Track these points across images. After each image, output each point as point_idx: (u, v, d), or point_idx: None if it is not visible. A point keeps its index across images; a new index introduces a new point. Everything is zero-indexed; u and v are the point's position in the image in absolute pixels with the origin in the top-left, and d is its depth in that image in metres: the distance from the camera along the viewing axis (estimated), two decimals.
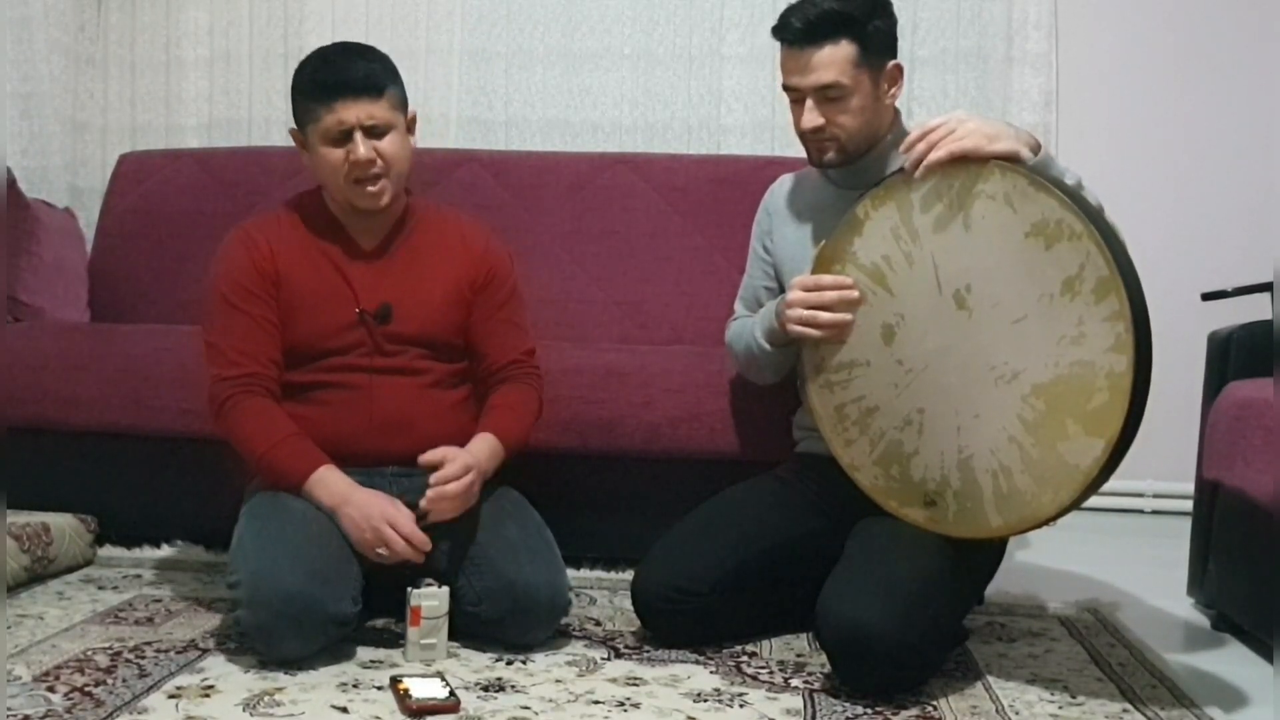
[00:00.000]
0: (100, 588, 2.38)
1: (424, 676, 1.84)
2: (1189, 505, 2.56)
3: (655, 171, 3.19)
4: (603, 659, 2.03)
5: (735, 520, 2.15)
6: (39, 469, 2.60)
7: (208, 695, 1.78)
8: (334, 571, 1.94)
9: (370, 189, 2.10)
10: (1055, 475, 1.78)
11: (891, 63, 2.11)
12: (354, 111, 2.05)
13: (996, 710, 1.83)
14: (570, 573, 2.16)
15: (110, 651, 1.96)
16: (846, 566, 1.95)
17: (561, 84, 3.61)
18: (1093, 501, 1.87)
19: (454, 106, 3.62)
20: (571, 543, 2.25)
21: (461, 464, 2.02)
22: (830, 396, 2.02)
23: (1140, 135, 3.53)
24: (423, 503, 2.00)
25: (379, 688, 1.83)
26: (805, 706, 1.82)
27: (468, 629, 2.05)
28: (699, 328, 2.99)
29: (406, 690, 1.76)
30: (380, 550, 1.98)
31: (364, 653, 2.00)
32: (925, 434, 1.91)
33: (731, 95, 3.55)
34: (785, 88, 2.12)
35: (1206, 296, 2.61)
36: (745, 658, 2.06)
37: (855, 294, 1.96)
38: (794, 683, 1.93)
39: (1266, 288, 2.52)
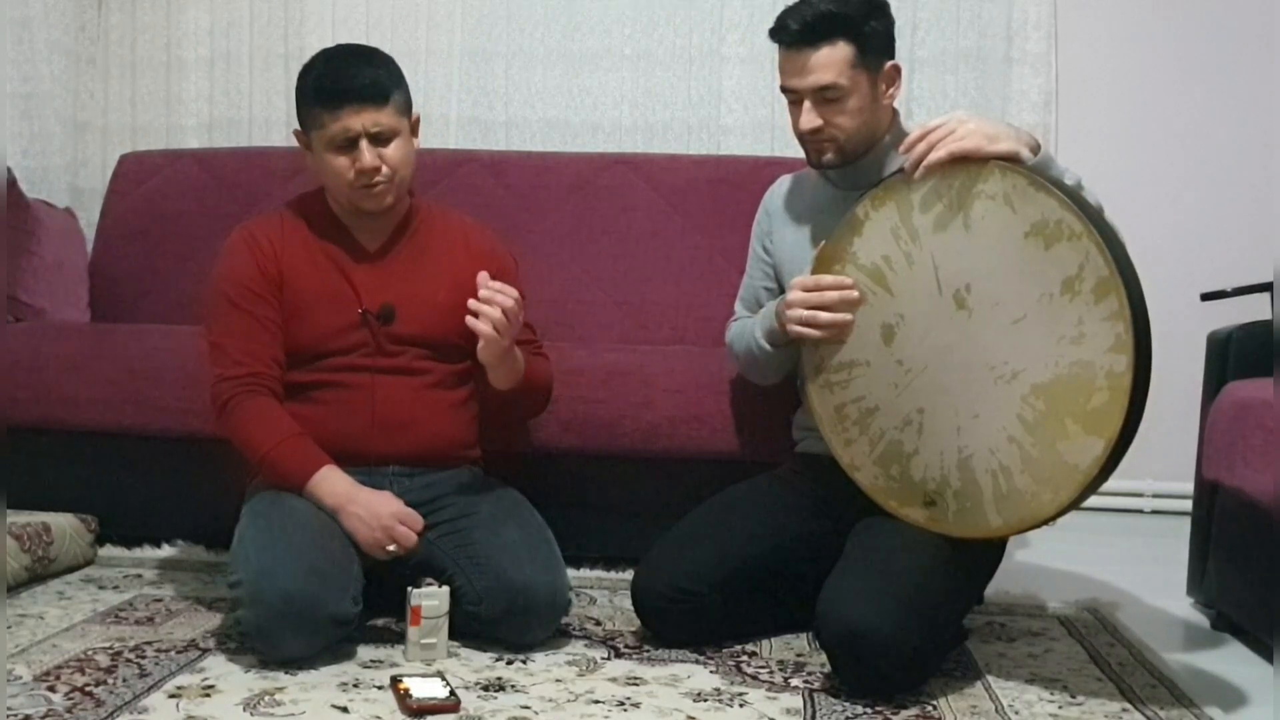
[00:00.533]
0: (101, 588, 2.38)
1: (424, 676, 1.84)
2: (1189, 505, 2.56)
3: (655, 171, 3.19)
4: (603, 659, 2.03)
5: (735, 520, 2.15)
6: (39, 469, 2.61)
7: (208, 695, 1.78)
8: (335, 571, 1.94)
9: (375, 193, 2.10)
10: (1055, 475, 1.78)
11: (889, 63, 2.11)
12: (359, 120, 2.05)
13: (996, 710, 1.83)
14: (570, 573, 2.16)
15: (111, 651, 1.96)
16: (846, 566, 1.95)
17: (561, 84, 3.61)
18: (1093, 501, 1.87)
19: (454, 106, 3.62)
20: (571, 543, 2.26)
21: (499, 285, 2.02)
22: (830, 396, 2.02)
23: (1140, 135, 3.54)
24: (482, 293, 2.00)
25: (379, 687, 1.83)
26: (805, 706, 1.82)
27: (468, 628, 2.05)
28: (699, 328, 3.00)
29: (407, 690, 1.76)
30: (390, 548, 1.99)
31: (364, 652, 2.00)
32: (925, 434, 1.91)
33: (731, 95, 3.55)
34: (783, 89, 2.13)
35: (1206, 296, 2.62)
36: (745, 658, 2.06)
37: (855, 294, 1.96)
38: (794, 683, 1.93)
39: (1266, 288, 2.52)
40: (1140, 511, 3.58)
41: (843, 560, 1.97)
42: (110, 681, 1.81)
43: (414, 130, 2.16)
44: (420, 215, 2.24)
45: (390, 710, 1.74)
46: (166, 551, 2.66)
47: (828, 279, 1.98)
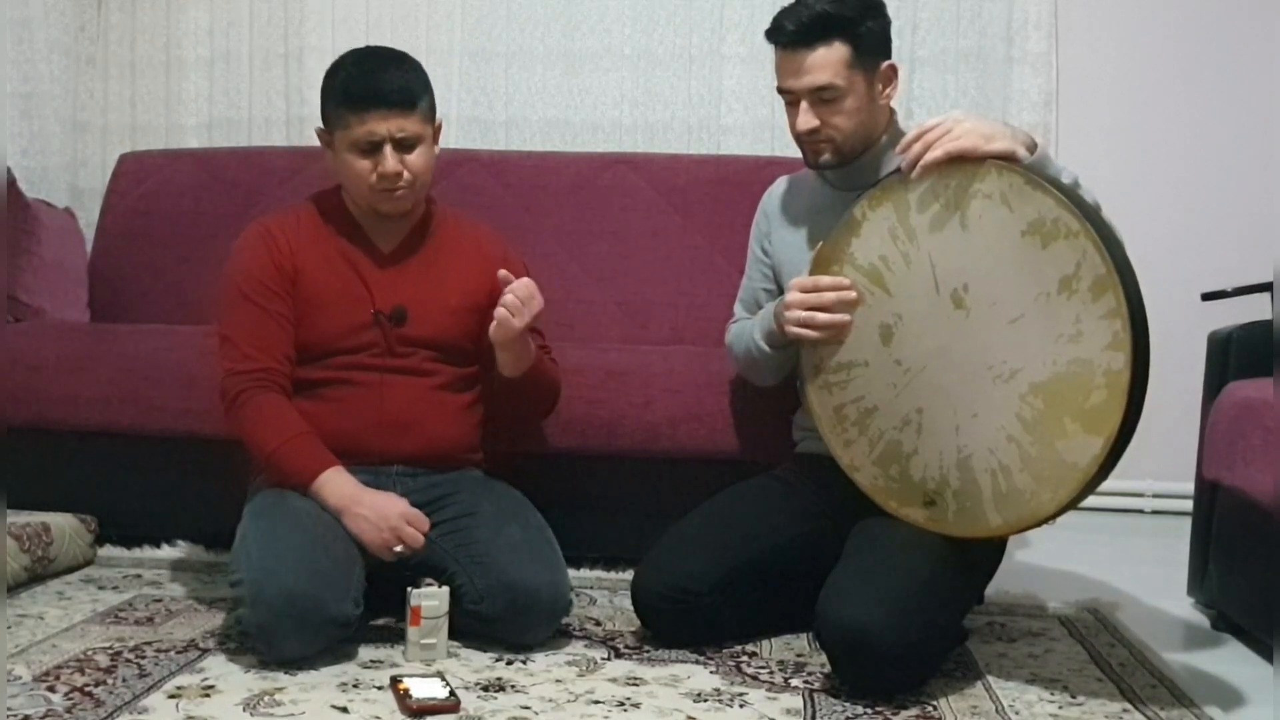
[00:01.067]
0: (100, 588, 2.38)
1: (424, 676, 1.84)
2: (1189, 505, 2.56)
3: (655, 171, 3.19)
4: (603, 659, 2.03)
5: (735, 520, 2.15)
6: (39, 469, 2.60)
7: (208, 695, 1.78)
8: (337, 572, 1.94)
9: (394, 196, 2.11)
10: (1054, 474, 1.78)
11: (885, 63, 2.11)
12: (386, 125, 2.05)
13: (996, 710, 1.83)
14: (570, 573, 2.16)
15: (110, 651, 1.96)
16: (846, 567, 1.95)
17: (561, 84, 3.61)
18: (1093, 501, 1.87)
19: (454, 106, 3.61)
20: (571, 543, 2.25)
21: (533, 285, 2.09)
22: (829, 397, 2.02)
23: (1140, 135, 3.54)
24: (504, 292, 2.06)
25: (379, 688, 1.83)
26: (805, 706, 1.82)
27: (468, 628, 2.05)
28: (699, 328, 2.99)
29: (406, 690, 1.76)
30: (398, 548, 2.00)
31: (364, 653, 2.00)
32: (924, 434, 1.91)
33: (731, 95, 3.55)
34: (780, 90, 2.13)
35: (1206, 296, 2.61)
36: (745, 658, 2.06)
37: (853, 294, 1.96)
38: (794, 683, 1.93)
39: (1266, 288, 2.52)
40: (1140, 511, 3.57)
41: (843, 560, 1.97)
42: (110, 681, 1.81)
43: (436, 137, 2.16)
44: (436, 219, 2.25)
45: (390, 710, 1.74)
46: (166, 551, 2.66)
47: (825, 280, 1.98)
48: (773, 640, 2.16)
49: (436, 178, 3.07)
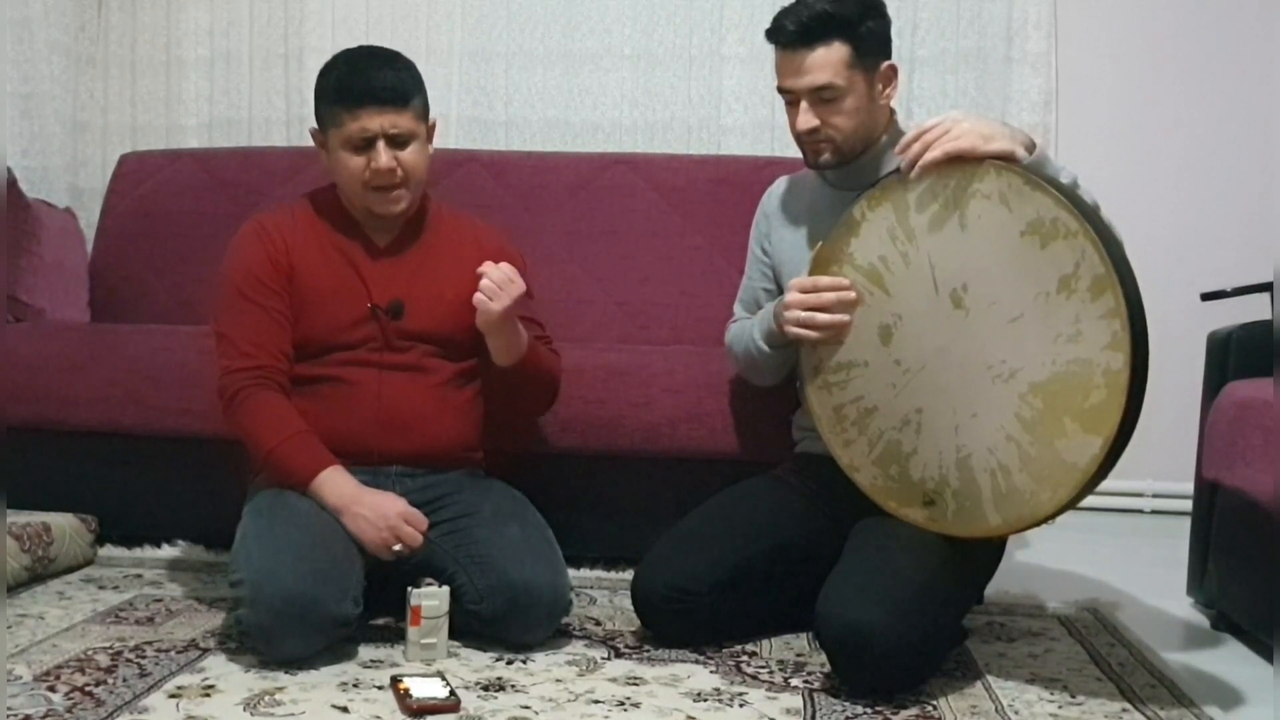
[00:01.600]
0: (101, 587, 2.38)
1: (424, 676, 1.84)
2: (1189, 505, 2.56)
3: (655, 171, 3.19)
4: (603, 659, 2.03)
5: (735, 520, 2.15)
6: (39, 469, 2.61)
7: (208, 695, 1.78)
8: (336, 572, 1.94)
9: (388, 196, 2.11)
10: (1054, 473, 1.78)
11: (885, 64, 2.11)
12: (378, 121, 2.06)
13: (996, 710, 1.83)
14: (570, 573, 2.16)
15: (111, 651, 1.96)
16: (846, 566, 1.95)
17: (561, 84, 3.61)
18: (1093, 501, 1.88)
19: (454, 106, 3.62)
20: (571, 543, 2.26)
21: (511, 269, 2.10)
22: (828, 397, 2.02)
23: (1140, 135, 3.54)
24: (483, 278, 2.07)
25: (379, 687, 1.83)
26: (805, 706, 1.82)
27: (468, 628, 2.05)
28: (699, 328, 3.00)
29: (407, 690, 1.76)
30: (397, 547, 2.00)
31: (364, 652, 2.00)
32: (924, 434, 1.91)
33: (731, 95, 3.55)
34: (780, 90, 2.13)
35: (1206, 296, 2.61)
36: (745, 658, 2.06)
37: (853, 295, 1.96)
38: (794, 683, 1.93)
39: (1266, 288, 2.52)
40: (1140, 511, 3.57)
41: (842, 560, 1.97)
42: (110, 681, 1.81)
43: (430, 136, 2.17)
44: (432, 213, 2.25)
45: (390, 710, 1.74)
46: (166, 551, 2.66)
47: (825, 280, 1.98)
48: (773, 640, 2.16)
49: (436, 177, 3.08)
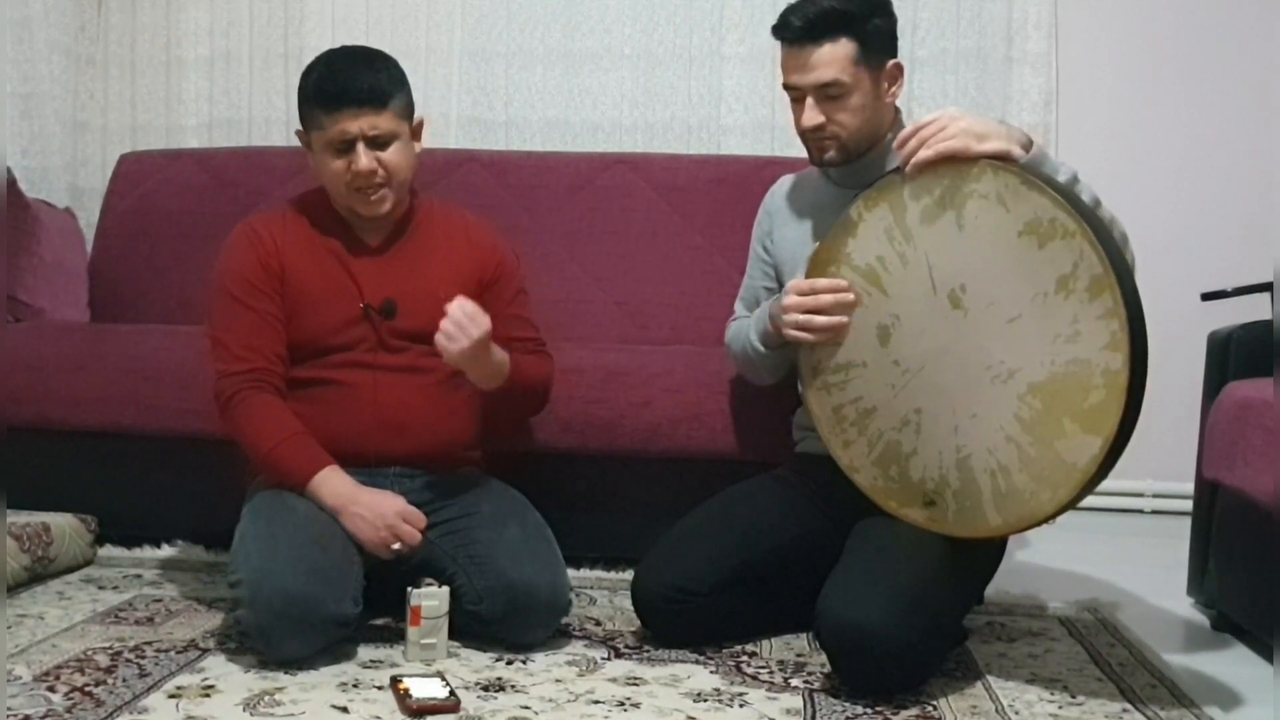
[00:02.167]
0: (100, 588, 2.38)
1: (424, 676, 1.84)
2: (1189, 505, 2.56)
3: (655, 171, 3.19)
4: (603, 659, 2.03)
5: (735, 520, 2.15)
6: (39, 469, 2.61)
7: (208, 695, 1.78)
8: (336, 572, 1.94)
9: (372, 197, 2.11)
10: (1053, 474, 1.78)
11: (891, 61, 2.11)
12: (357, 123, 2.06)
13: (996, 710, 1.83)
14: (570, 573, 2.16)
15: (110, 651, 1.96)
16: (846, 567, 1.95)
17: (561, 84, 3.61)
18: (1093, 501, 1.88)
19: (454, 106, 3.62)
20: (571, 543, 2.26)
21: (475, 308, 2.02)
22: (828, 398, 2.02)
23: (1140, 135, 3.53)
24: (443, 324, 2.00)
25: (379, 687, 1.83)
26: (805, 706, 1.82)
27: (468, 628, 2.05)
28: (699, 328, 2.99)
29: (406, 690, 1.76)
30: (395, 546, 2.00)
31: (364, 652, 2.00)
32: (923, 434, 1.91)
33: (731, 95, 3.55)
34: (785, 86, 2.12)
35: (1206, 296, 2.61)
36: (745, 658, 2.06)
37: (851, 296, 1.96)
38: (794, 683, 1.93)
39: (1266, 288, 2.52)
40: (1140, 511, 3.57)
41: (843, 560, 1.97)
42: (110, 681, 1.81)
43: (416, 134, 2.16)
44: (422, 211, 2.25)
45: (390, 710, 1.74)
46: (166, 551, 2.66)
47: (823, 282, 1.98)
48: (773, 640, 2.16)
49: (436, 178, 3.09)
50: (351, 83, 2.06)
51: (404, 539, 2.01)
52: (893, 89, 2.13)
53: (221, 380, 2.10)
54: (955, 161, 1.84)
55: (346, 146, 2.07)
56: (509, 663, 1.99)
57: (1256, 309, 2.53)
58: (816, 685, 1.92)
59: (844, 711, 1.80)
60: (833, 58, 2.05)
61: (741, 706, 1.81)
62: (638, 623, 2.15)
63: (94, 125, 3.72)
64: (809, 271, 2.03)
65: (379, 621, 2.13)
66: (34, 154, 3.47)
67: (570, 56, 3.60)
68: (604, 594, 2.45)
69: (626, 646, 2.10)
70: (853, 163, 2.15)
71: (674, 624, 2.09)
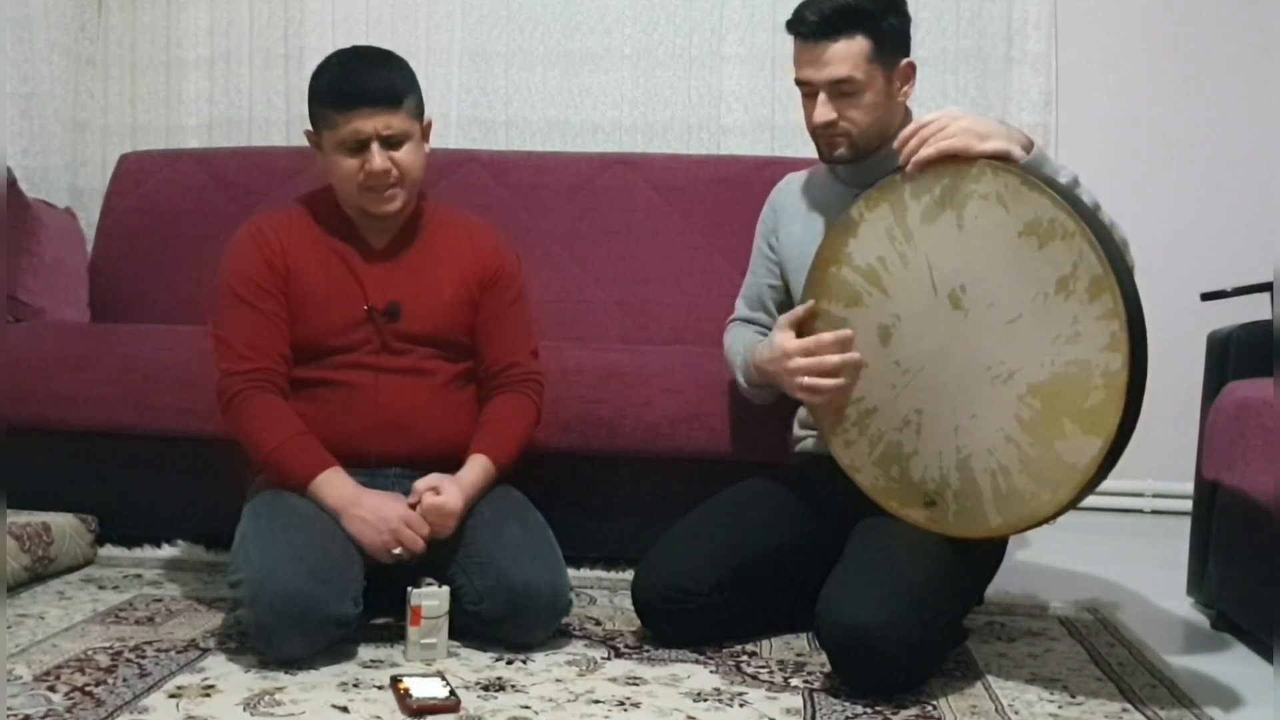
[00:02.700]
0: (101, 587, 2.38)
1: (424, 676, 1.84)
2: (1189, 505, 2.56)
3: (655, 171, 3.19)
4: (603, 659, 2.03)
5: (735, 520, 2.15)
6: (39, 469, 2.61)
7: (208, 695, 1.78)
8: (336, 572, 1.94)
9: (384, 196, 2.11)
10: (1053, 474, 1.78)
11: (905, 61, 2.10)
12: (371, 122, 2.06)
13: (996, 710, 1.83)
14: (570, 573, 2.16)
15: (111, 651, 1.96)
16: (846, 567, 1.95)
17: (561, 84, 3.61)
18: (1093, 501, 1.87)
19: (454, 106, 3.62)
20: (571, 543, 2.25)
21: (453, 493, 2.05)
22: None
23: (1140, 135, 3.54)
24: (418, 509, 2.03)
25: (379, 687, 1.83)
26: (805, 706, 1.82)
27: (468, 628, 2.05)
28: (699, 328, 3.00)
29: (407, 690, 1.76)
30: (396, 550, 2.00)
31: (364, 652, 2.00)
32: (924, 434, 1.91)
33: (731, 95, 3.55)
34: (798, 82, 2.11)
35: (1206, 296, 2.61)
36: (745, 658, 2.06)
37: (858, 356, 1.95)
38: (794, 683, 1.93)
39: (1266, 288, 2.52)
40: (1140, 511, 3.58)
41: (843, 560, 1.97)
42: (110, 681, 1.81)
43: (425, 135, 2.17)
44: (428, 214, 2.25)
45: (390, 710, 1.74)
46: (166, 551, 2.66)
47: (828, 337, 1.97)
48: (773, 640, 2.16)
49: (436, 177, 3.09)
50: (366, 82, 2.07)
51: (406, 544, 2.01)
52: (905, 88, 2.12)
53: (225, 379, 2.10)
54: (955, 161, 1.84)
55: (360, 146, 2.07)
56: (509, 662, 1.99)
57: (1256, 309, 2.53)
58: (816, 685, 1.92)
59: (844, 711, 1.80)
60: (847, 54, 2.04)
61: (741, 706, 1.81)
62: (638, 623, 2.15)
63: (94, 125, 3.72)
64: (810, 270, 2.02)
65: (379, 621, 2.13)
66: (34, 154, 3.47)
67: (570, 57, 3.61)
68: (604, 594, 2.45)
69: (626, 646, 2.10)
70: (862, 161, 2.14)
71: (674, 624, 2.09)
